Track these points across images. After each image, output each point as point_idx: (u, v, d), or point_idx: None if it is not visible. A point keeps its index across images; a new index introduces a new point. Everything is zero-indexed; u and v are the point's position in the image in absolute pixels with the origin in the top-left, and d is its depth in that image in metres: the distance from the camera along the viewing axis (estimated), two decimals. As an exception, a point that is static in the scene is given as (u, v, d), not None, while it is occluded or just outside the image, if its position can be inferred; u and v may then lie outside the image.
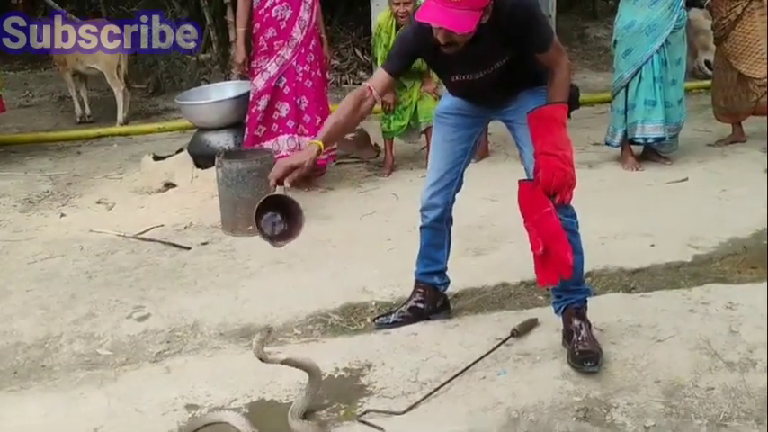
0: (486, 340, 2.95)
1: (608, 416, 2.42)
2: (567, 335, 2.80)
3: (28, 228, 4.69)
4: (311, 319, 3.30)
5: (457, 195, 3.02)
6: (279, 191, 2.45)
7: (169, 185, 5.05)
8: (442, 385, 2.62)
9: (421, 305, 3.18)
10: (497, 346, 2.85)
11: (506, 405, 2.50)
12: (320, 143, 2.54)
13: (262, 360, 2.44)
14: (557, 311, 2.88)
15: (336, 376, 2.80)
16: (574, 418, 2.41)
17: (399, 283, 3.53)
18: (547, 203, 2.55)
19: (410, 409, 2.51)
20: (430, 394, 2.58)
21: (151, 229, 4.49)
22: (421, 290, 3.20)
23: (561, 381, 2.62)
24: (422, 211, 3.05)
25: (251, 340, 2.73)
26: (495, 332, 3.01)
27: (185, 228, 4.52)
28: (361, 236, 4.27)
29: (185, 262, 4.02)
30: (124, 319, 3.39)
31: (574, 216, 2.73)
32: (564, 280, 2.62)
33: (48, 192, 5.35)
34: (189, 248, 4.20)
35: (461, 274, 3.38)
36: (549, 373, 2.67)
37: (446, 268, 3.18)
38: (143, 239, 4.36)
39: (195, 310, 3.42)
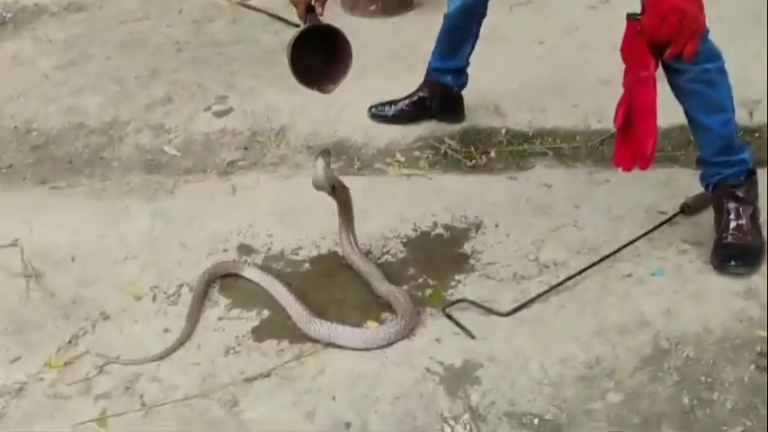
0: (642, 212, 2.18)
1: (804, 372, 1.66)
2: (717, 219, 2.02)
3: (132, -24, 4.13)
4: (420, 144, 2.61)
5: None
6: (312, 20, 1.93)
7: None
8: (570, 278, 1.91)
9: (427, 102, 2.69)
10: (658, 227, 2.07)
11: (655, 327, 1.76)
12: None
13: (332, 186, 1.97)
14: (706, 187, 2.07)
15: (433, 235, 2.15)
16: (752, 366, 1.65)
17: (542, 107, 2.75)
18: (647, 65, 1.79)
19: (517, 310, 1.83)
20: (549, 290, 1.88)
21: (261, -6, 3.81)
22: (428, 85, 2.68)
23: (743, 300, 1.83)
24: None
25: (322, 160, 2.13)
26: (656, 200, 2.22)
27: (299, -2, 3.78)
28: (507, 33, 3.37)
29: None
30: (202, 111, 2.85)
31: (710, 60, 1.88)
32: (703, 155, 2.01)
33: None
34: (298, 26, 3.48)
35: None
36: (726, 284, 1.88)
37: (466, 66, 2.61)
38: (249, 7, 3.70)
39: (284, 111, 2.81)
